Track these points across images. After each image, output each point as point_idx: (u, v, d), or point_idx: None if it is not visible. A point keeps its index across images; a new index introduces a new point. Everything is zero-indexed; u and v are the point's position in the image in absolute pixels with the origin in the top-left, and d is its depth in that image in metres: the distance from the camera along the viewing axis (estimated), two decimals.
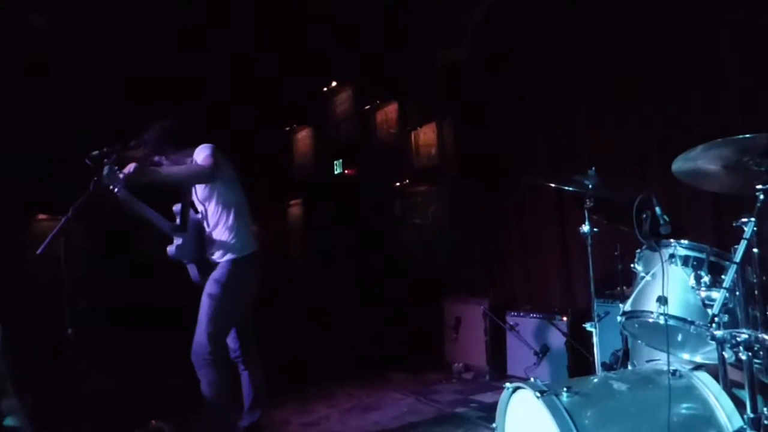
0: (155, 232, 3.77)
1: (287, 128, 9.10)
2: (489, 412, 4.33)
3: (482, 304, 5.69)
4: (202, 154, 3.69)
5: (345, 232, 7.89)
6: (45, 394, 4.58)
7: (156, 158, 3.80)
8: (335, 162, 8.24)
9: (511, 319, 5.46)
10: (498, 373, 5.50)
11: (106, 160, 3.39)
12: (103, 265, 5.36)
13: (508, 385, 2.71)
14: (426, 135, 7.12)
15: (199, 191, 3.86)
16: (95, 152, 3.49)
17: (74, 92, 5.88)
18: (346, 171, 8.14)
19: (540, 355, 5.09)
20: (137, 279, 3.99)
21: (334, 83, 8.34)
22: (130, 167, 3.43)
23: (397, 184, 7.58)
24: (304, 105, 8.40)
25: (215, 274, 3.74)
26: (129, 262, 3.77)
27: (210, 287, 3.70)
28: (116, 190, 3.43)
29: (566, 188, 3.44)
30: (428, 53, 6.73)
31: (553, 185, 3.63)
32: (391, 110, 7.59)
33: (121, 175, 3.38)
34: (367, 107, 7.87)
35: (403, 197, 7.60)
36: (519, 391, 2.66)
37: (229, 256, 3.75)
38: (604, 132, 4.99)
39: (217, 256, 3.79)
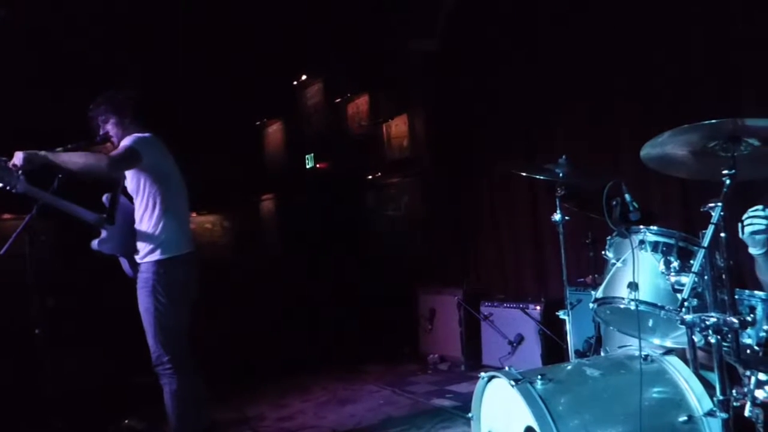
0: None
1: (258, 122, 9.02)
2: (465, 402, 4.33)
3: (456, 295, 5.71)
4: (121, 144, 3.47)
5: (318, 225, 7.85)
6: (14, 394, 4.52)
7: (100, 123, 3.63)
8: (307, 156, 8.19)
9: (485, 309, 5.48)
10: (473, 363, 5.53)
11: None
12: (72, 262, 5.28)
13: (483, 374, 2.72)
14: (397, 127, 7.11)
15: (128, 182, 3.62)
16: (58, 149, 3.41)
17: (40, 85, 5.77)
18: (318, 165, 8.10)
19: (514, 344, 5.12)
20: (107, 274, 3.90)
21: (304, 76, 8.28)
22: (17, 157, 3.20)
23: (370, 176, 7.57)
24: (275, 99, 8.32)
25: (139, 281, 3.52)
26: (98, 257, 3.66)
27: (141, 299, 3.49)
28: (12, 188, 3.25)
29: (537, 177, 3.46)
30: (399, 44, 6.71)
31: (524, 174, 3.65)
32: (362, 102, 7.57)
33: (18, 172, 3.21)
34: (338, 100, 7.83)
35: (376, 189, 7.58)
36: (494, 380, 2.67)
37: (150, 257, 3.51)
38: (576, 121, 5.03)
39: (139, 255, 3.56)
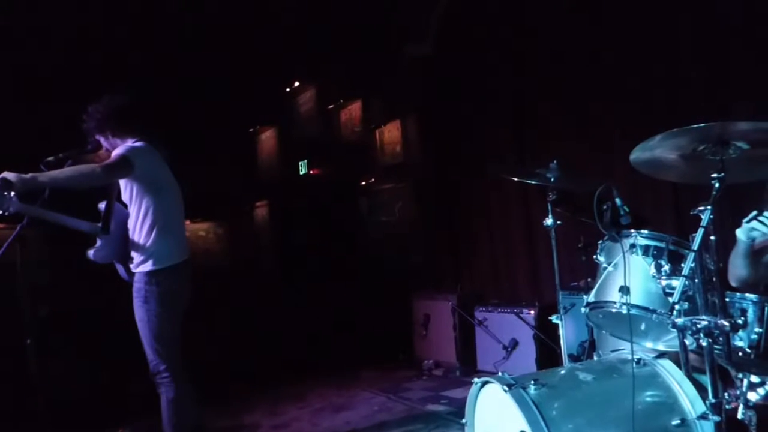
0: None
1: (251, 129, 9.02)
2: (460, 408, 4.31)
3: (450, 300, 5.72)
4: (114, 153, 3.44)
5: (312, 232, 7.85)
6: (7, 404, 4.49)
7: (96, 136, 3.60)
8: (300, 162, 8.19)
9: (479, 314, 5.48)
10: (468, 368, 5.52)
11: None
12: (65, 270, 5.26)
13: (476, 379, 2.71)
14: (390, 132, 7.13)
15: (122, 192, 3.60)
16: (50, 158, 3.38)
17: (29, 94, 5.75)
18: (311, 171, 8.10)
19: (509, 349, 5.12)
20: (100, 282, 3.88)
21: (297, 83, 8.28)
22: (4, 179, 3.07)
23: (363, 182, 7.57)
24: (268, 105, 8.32)
25: (135, 290, 3.51)
26: (91, 264, 3.64)
27: (137, 309, 3.49)
28: (5, 212, 3.15)
29: (529, 181, 3.46)
30: (392, 49, 6.72)
31: (516, 179, 3.66)
32: (354, 108, 7.58)
33: (9, 193, 3.09)
34: (331, 106, 7.84)
35: (370, 195, 7.59)
36: (487, 386, 2.66)
37: (143, 267, 3.50)
38: (568, 125, 5.04)
39: (133, 264, 3.55)
